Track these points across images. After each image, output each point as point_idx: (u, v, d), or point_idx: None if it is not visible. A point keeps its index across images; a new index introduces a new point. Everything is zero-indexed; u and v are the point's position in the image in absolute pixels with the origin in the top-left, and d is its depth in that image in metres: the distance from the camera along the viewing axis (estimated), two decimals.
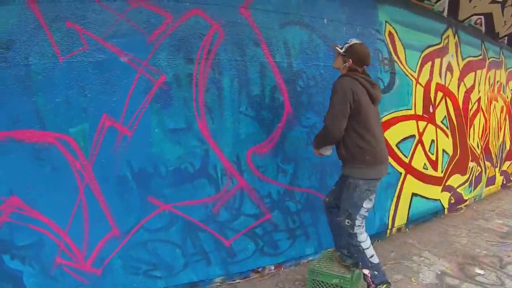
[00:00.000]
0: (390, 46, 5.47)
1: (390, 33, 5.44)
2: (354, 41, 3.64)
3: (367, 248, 3.69)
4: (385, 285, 3.73)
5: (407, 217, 6.15)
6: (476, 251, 5.36)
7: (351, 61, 3.59)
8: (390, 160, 5.50)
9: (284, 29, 4.27)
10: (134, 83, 3.58)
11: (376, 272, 3.70)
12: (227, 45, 3.95)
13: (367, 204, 3.65)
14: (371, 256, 3.70)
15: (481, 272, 4.69)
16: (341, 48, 3.64)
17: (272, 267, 4.56)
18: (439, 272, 4.65)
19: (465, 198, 7.77)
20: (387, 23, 5.40)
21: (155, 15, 3.64)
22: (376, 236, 5.60)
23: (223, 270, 4.23)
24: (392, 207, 5.82)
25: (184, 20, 3.75)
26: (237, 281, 4.32)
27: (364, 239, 3.68)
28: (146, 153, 3.70)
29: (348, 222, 3.65)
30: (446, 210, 7.15)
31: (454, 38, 6.93)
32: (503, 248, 5.48)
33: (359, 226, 3.66)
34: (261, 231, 4.38)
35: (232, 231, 4.20)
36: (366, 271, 3.72)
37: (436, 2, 6.22)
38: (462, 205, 7.68)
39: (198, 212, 3.99)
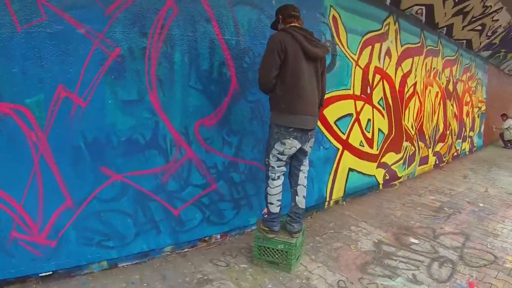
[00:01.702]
0: (333, 29, 5.69)
1: (334, 17, 5.66)
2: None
3: (271, 195, 4.13)
4: (267, 229, 4.17)
5: (344, 191, 6.48)
6: (410, 223, 5.73)
7: (280, 16, 4.00)
8: (329, 136, 5.83)
9: (234, 8, 4.37)
10: (89, 55, 3.56)
11: (267, 216, 4.21)
12: (179, 21, 4.02)
13: (279, 147, 3.97)
14: (271, 203, 4.14)
15: (416, 241, 5.03)
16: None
17: (219, 236, 4.74)
18: (376, 241, 4.97)
19: (399, 175, 8.21)
20: (331, 8, 5.61)
21: None
22: (315, 208, 5.90)
23: (172, 239, 4.35)
24: (330, 181, 6.12)
25: None
26: (186, 250, 4.46)
27: (272, 186, 4.11)
28: (100, 124, 3.71)
29: (266, 161, 4.13)
30: (381, 185, 7.54)
31: (395, 25, 7.25)
32: (436, 221, 5.87)
33: (272, 167, 4.07)
34: (207, 201, 4.53)
35: (181, 200, 4.32)
36: (264, 210, 4.30)
37: None
38: (396, 182, 8.11)
39: (149, 182, 4.07)
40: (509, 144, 15.80)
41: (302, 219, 4.34)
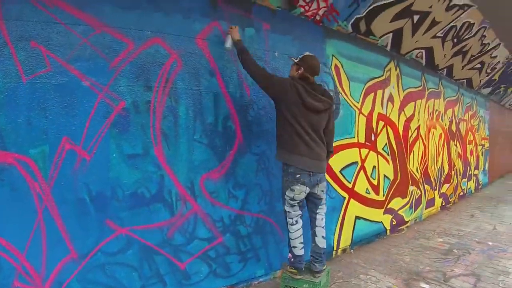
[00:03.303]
0: (335, 78, 5.73)
1: (336, 66, 5.72)
2: (307, 53, 4.26)
3: (292, 239, 4.30)
4: (295, 271, 4.35)
5: (351, 239, 6.36)
6: (419, 267, 5.59)
7: (302, 69, 4.14)
8: (334, 185, 5.78)
9: (238, 61, 4.36)
10: (94, 108, 3.59)
11: (293, 259, 4.35)
12: (184, 74, 4.07)
13: (289, 193, 4.19)
14: (294, 247, 4.31)
15: (427, 286, 4.91)
16: (296, 59, 4.22)
17: None
18: None
19: (406, 219, 8.07)
20: (333, 57, 5.68)
21: (117, 41, 3.69)
22: None
23: None
24: (337, 230, 6.03)
25: (145, 48, 3.83)
26: None
27: (292, 230, 4.29)
28: (104, 177, 3.69)
29: (283, 208, 4.34)
30: (388, 231, 7.39)
31: (396, 70, 7.30)
32: (446, 263, 5.73)
33: (288, 212, 4.28)
34: (214, 254, 4.45)
35: (187, 254, 4.25)
36: (289, 254, 4.41)
37: (380, 37, 6.54)
38: (404, 226, 7.96)
39: (154, 236, 4.01)
40: None
41: (324, 259, 4.49)
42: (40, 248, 3.46)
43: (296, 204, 4.24)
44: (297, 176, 4.10)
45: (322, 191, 4.38)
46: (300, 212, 4.30)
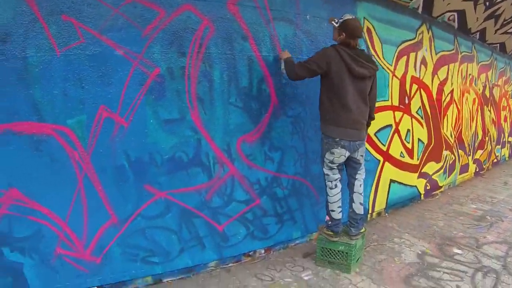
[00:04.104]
0: (368, 41, 5.64)
1: (368, 28, 5.62)
2: (347, 16, 4.10)
3: (331, 203, 4.34)
4: (332, 233, 4.39)
5: (386, 202, 6.38)
6: (453, 233, 5.60)
7: (344, 35, 4.04)
8: (369, 147, 5.73)
9: (269, 25, 4.39)
10: (129, 76, 3.61)
11: (331, 222, 4.39)
12: (217, 39, 4.05)
13: (329, 156, 4.21)
14: (332, 211, 4.34)
15: (459, 251, 4.91)
16: (337, 23, 4.12)
17: (262, 251, 4.70)
18: (419, 252, 4.87)
19: (440, 184, 8.04)
20: (365, 19, 5.57)
21: (149, 10, 3.66)
22: None
23: (216, 255, 4.34)
24: (372, 193, 6.04)
25: (176, 15, 3.81)
26: (230, 264, 4.44)
27: (331, 194, 4.32)
28: (142, 143, 3.73)
29: (323, 171, 4.36)
30: (422, 196, 7.40)
31: (428, 33, 7.14)
32: (478, 230, 5.73)
33: (327, 175, 4.30)
34: (251, 216, 4.51)
35: (225, 216, 4.32)
36: (327, 217, 4.44)
37: (411, 0, 6.41)
38: (437, 191, 7.95)
39: (192, 199, 4.08)
40: None
41: (361, 224, 4.51)
42: (81, 215, 3.56)
43: (335, 167, 4.26)
44: (337, 139, 4.10)
45: (362, 155, 4.36)
46: (339, 176, 4.30)
